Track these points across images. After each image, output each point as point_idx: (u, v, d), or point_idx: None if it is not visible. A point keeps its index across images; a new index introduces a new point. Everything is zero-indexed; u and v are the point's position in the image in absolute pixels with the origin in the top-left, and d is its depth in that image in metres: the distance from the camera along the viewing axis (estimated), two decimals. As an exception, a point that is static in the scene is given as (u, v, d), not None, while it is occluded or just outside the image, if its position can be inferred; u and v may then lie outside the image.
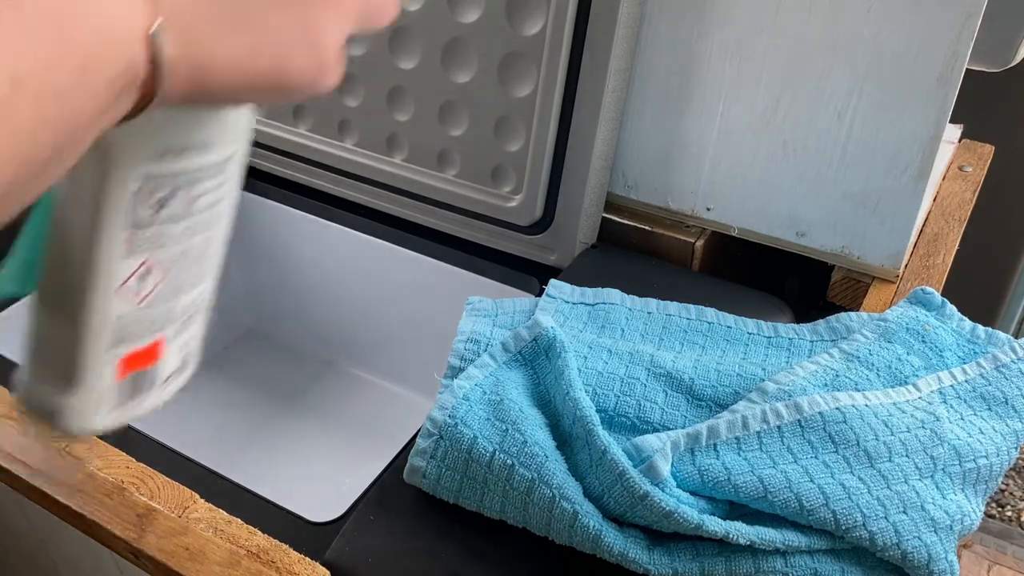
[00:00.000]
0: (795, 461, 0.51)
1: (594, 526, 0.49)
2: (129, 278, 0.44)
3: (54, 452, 0.59)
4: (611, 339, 0.63)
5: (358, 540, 0.53)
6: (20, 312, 0.81)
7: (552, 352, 0.58)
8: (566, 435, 0.54)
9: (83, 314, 0.44)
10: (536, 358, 0.59)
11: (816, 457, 0.51)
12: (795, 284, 0.81)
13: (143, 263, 0.44)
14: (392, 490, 0.55)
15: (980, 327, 0.63)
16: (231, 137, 0.44)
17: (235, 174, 0.46)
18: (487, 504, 0.52)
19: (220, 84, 0.34)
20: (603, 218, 0.82)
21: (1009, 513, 1.58)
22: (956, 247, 0.79)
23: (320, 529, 0.57)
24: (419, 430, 0.54)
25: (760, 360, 0.62)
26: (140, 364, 0.48)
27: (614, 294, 0.68)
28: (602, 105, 0.73)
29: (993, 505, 1.59)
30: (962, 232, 0.81)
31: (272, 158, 0.94)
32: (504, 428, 0.52)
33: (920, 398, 0.56)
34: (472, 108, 0.79)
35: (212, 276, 0.49)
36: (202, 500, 0.56)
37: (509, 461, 0.51)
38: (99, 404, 0.47)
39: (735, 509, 0.51)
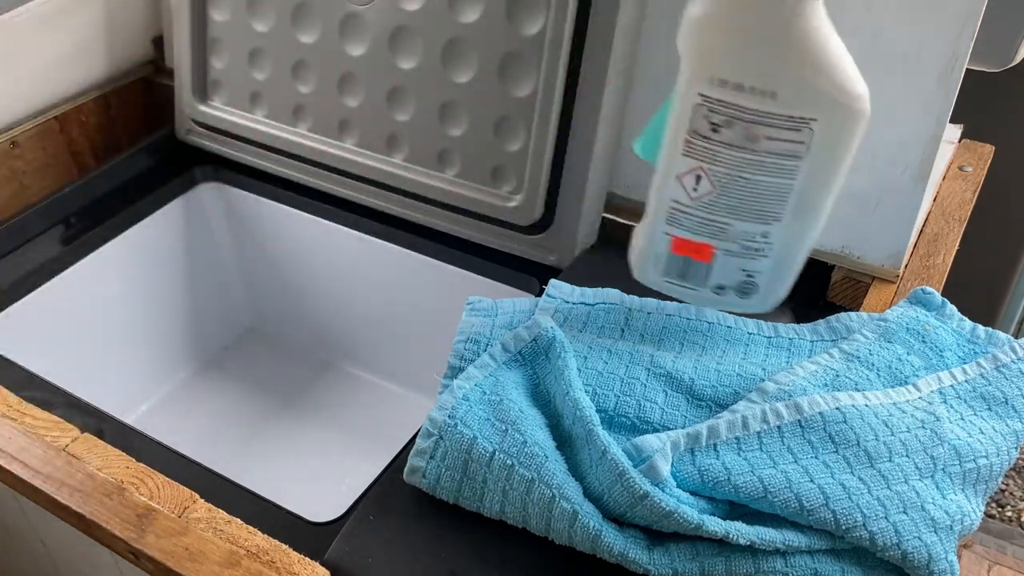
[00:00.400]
0: (795, 461, 0.51)
1: (594, 526, 0.49)
2: (686, 174, 0.57)
3: (54, 452, 0.59)
4: (611, 339, 0.63)
5: (358, 540, 0.53)
6: (20, 311, 0.81)
7: (552, 352, 0.58)
8: (566, 435, 0.54)
9: (657, 184, 0.60)
10: (536, 358, 0.59)
11: (816, 457, 0.51)
12: (795, 284, 0.80)
13: (697, 167, 0.56)
14: (392, 490, 0.55)
15: (980, 327, 0.63)
16: (803, 101, 0.53)
17: (818, 147, 0.54)
18: (487, 504, 0.52)
19: None
20: (603, 218, 0.82)
21: (1009, 513, 1.58)
22: (956, 247, 0.78)
23: (320, 529, 0.57)
24: (419, 430, 0.54)
25: (760, 360, 0.62)
26: (691, 253, 0.60)
27: (614, 294, 0.68)
28: (602, 105, 0.73)
29: (993, 505, 1.59)
30: (962, 232, 0.81)
31: (272, 158, 0.93)
32: (504, 428, 0.52)
33: (920, 398, 0.56)
34: (472, 108, 0.79)
35: (785, 226, 0.58)
36: (202, 500, 0.56)
37: (509, 461, 0.51)
38: (656, 263, 0.63)
39: (735, 509, 0.51)
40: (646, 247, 0.63)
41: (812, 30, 0.51)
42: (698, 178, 0.56)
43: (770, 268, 0.60)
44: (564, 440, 0.54)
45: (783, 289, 0.63)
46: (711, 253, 0.59)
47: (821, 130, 0.53)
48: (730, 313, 0.65)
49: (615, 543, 0.49)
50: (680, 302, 0.66)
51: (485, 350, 0.59)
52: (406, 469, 0.54)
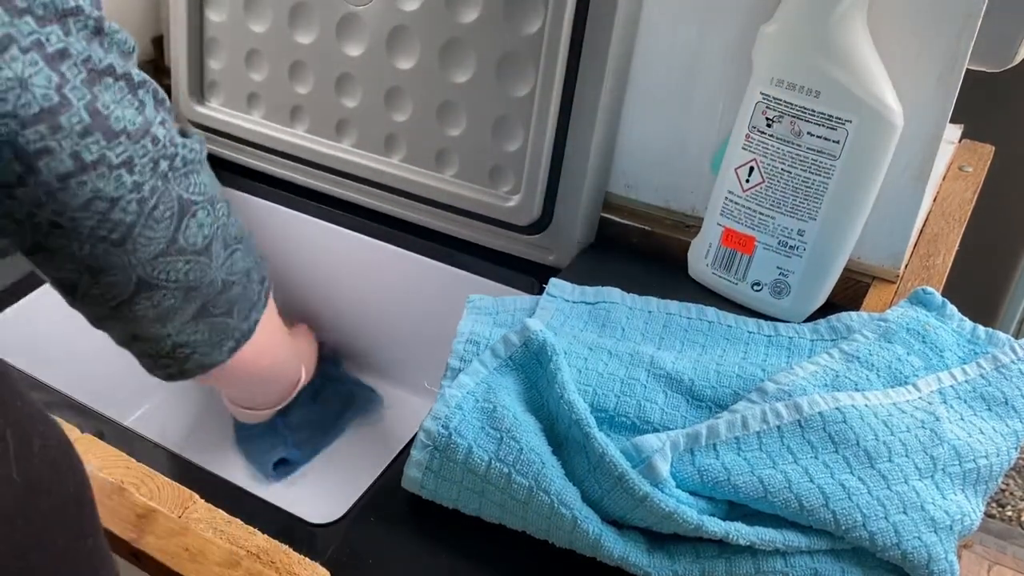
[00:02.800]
0: (795, 461, 0.51)
1: (593, 531, 0.49)
2: (742, 165, 0.66)
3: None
4: (612, 339, 0.63)
5: (358, 541, 0.53)
6: (20, 312, 0.81)
7: (543, 356, 0.57)
8: (561, 439, 0.54)
9: (718, 182, 0.70)
10: (527, 362, 0.58)
11: (816, 457, 0.51)
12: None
13: (751, 160, 0.65)
14: (392, 491, 0.55)
15: (980, 327, 0.63)
16: (841, 101, 0.61)
17: (851, 149, 0.62)
18: (485, 512, 0.52)
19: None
20: (603, 218, 0.82)
21: (1009, 513, 1.58)
22: (956, 247, 0.78)
23: (320, 530, 0.56)
24: (414, 436, 0.54)
25: (760, 360, 0.62)
26: (736, 245, 0.69)
27: (615, 293, 0.68)
28: (600, 105, 0.73)
29: (993, 505, 1.59)
30: (962, 232, 0.81)
31: (270, 159, 0.93)
32: (499, 436, 0.52)
33: (920, 398, 0.56)
34: (470, 108, 0.79)
35: (819, 226, 0.66)
36: (202, 500, 0.56)
37: (505, 470, 0.51)
38: (706, 252, 0.72)
39: (735, 509, 0.51)
40: (700, 240, 0.73)
41: (854, 42, 0.61)
42: (751, 170, 0.65)
43: (802, 269, 0.67)
44: (560, 444, 0.53)
45: (815, 297, 0.69)
46: (753, 246, 0.67)
47: (855, 132, 0.62)
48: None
49: (615, 547, 0.49)
50: (695, 306, 0.67)
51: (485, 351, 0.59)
52: (403, 480, 0.54)
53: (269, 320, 0.62)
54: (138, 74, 0.46)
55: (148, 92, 0.47)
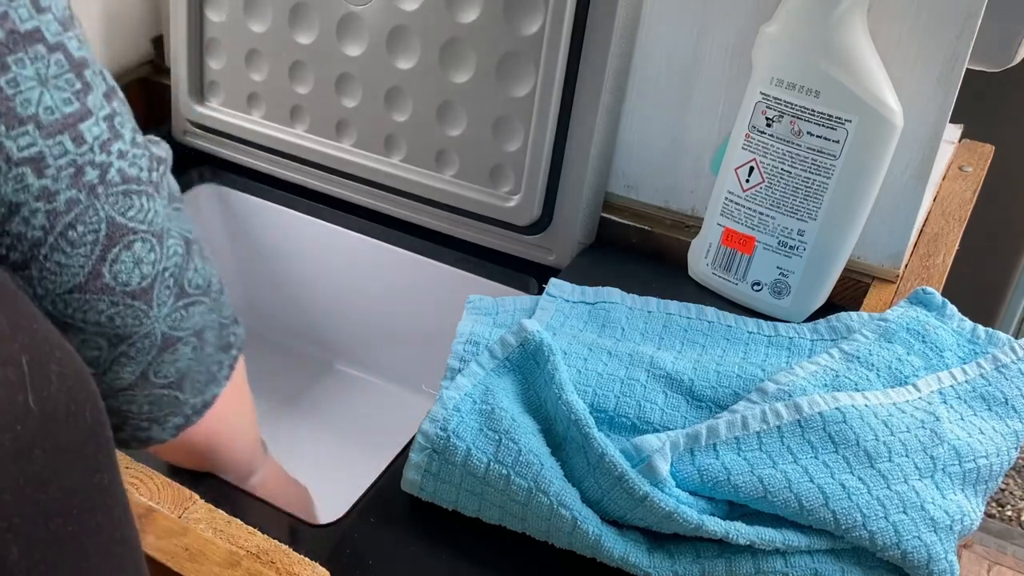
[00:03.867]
0: (795, 461, 0.51)
1: (593, 532, 0.49)
2: (742, 166, 0.66)
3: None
4: (611, 339, 0.63)
5: (358, 542, 0.53)
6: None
7: (540, 356, 0.57)
8: (560, 439, 0.54)
9: (718, 182, 0.70)
10: (524, 363, 0.58)
11: (816, 457, 0.51)
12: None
13: (751, 160, 0.65)
14: (392, 491, 0.55)
15: (980, 327, 0.63)
16: (840, 101, 0.61)
17: (851, 149, 0.62)
18: (485, 513, 0.52)
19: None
20: (603, 218, 0.82)
21: (1009, 513, 1.58)
22: (956, 247, 0.78)
23: (320, 531, 0.56)
24: (413, 436, 0.54)
25: (760, 360, 0.62)
26: (736, 244, 0.69)
27: (615, 293, 0.68)
28: (600, 104, 0.73)
29: (993, 505, 1.59)
30: (962, 232, 0.81)
31: (269, 159, 0.93)
32: (497, 438, 0.52)
33: (920, 398, 0.56)
34: (470, 108, 0.79)
35: (819, 226, 0.66)
36: (202, 500, 0.56)
37: (504, 471, 0.51)
38: (706, 252, 0.72)
39: (735, 509, 0.51)
40: (701, 240, 0.73)
41: (854, 42, 0.61)
42: (751, 170, 0.65)
43: (802, 269, 0.67)
44: (558, 445, 0.53)
45: (815, 297, 0.69)
46: (753, 246, 0.67)
47: (855, 132, 0.62)
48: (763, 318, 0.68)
49: (615, 548, 0.49)
50: (695, 306, 0.67)
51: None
52: (402, 481, 0.54)
53: (233, 395, 0.52)
54: (80, 49, 0.38)
55: (98, 75, 0.39)
